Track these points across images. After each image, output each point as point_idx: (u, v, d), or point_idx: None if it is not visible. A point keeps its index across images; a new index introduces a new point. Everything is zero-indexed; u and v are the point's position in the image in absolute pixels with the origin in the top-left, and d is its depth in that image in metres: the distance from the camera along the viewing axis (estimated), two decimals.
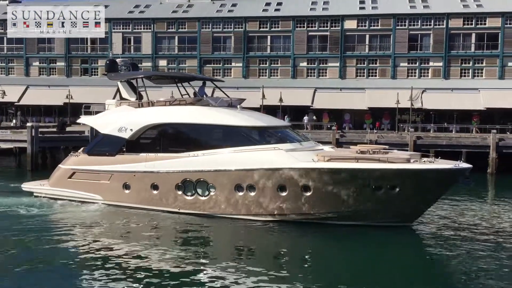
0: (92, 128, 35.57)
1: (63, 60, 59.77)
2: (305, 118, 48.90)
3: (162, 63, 57.97)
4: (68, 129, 39.95)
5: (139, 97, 22.55)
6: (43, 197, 22.04)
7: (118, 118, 21.23)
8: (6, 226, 17.57)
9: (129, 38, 58.52)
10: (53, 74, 60.35)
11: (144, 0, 62.08)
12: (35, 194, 22.61)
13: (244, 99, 23.24)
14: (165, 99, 21.86)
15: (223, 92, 23.32)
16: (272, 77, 55.67)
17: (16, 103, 56.47)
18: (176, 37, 57.81)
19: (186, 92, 23.63)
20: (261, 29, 56.08)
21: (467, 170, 17.49)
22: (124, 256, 14.51)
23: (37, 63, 60.74)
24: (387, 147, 20.84)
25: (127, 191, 20.23)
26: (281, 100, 48.09)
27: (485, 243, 16.26)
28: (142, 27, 58.30)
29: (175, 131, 20.47)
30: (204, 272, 13.32)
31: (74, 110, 55.12)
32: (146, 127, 20.49)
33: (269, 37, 56.07)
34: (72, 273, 13.30)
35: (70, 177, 21.60)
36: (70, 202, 21.22)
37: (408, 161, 17.36)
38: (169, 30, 57.83)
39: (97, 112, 23.67)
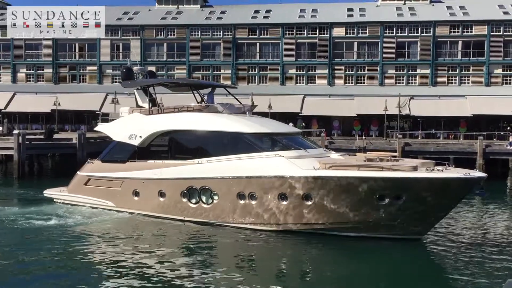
0: (79, 136, 35.48)
1: (51, 67, 59.39)
2: (290, 124, 48.91)
3: (151, 70, 57.75)
4: (55, 136, 39.58)
5: (154, 104, 22.62)
6: (62, 203, 22.65)
7: (128, 125, 21.55)
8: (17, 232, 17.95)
9: (118, 45, 58.35)
10: (40, 81, 59.92)
11: (133, 7, 62.06)
12: (55, 200, 23.20)
13: (256, 105, 23.19)
14: (174, 106, 21.85)
15: (235, 98, 23.26)
16: (261, 84, 55.83)
17: (2, 110, 55.90)
18: (165, 44, 57.79)
19: (202, 99, 23.52)
20: (250, 36, 56.26)
21: (481, 179, 16.07)
22: (124, 265, 14.41)
23: (24, 70, 60.28)
24: (397, 154, 20.01)
25: (136, 198, 20.39)
26: (270, 107, 48.19)
27: (490, 252, 15.81)
28: (131, 33, 58.19)
29: (182, 138, 20.46)
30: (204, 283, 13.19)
31: (62, 117, 54.98)
32: (154, 134, 20.68)
33: (258, 44, 56.27)
34: (72, 279, 13.33)
35: (85, 184, 22.07)
36: (85, 208, 21.63)
37: (414, 169, 16.17)
38: (158, 37, 57.80)
39: (111, 120, 23.98)
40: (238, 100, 22.89)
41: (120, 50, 58.39)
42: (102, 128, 23.48)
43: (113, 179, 20.97)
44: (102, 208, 21.21)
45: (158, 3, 61.89)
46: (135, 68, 23.97)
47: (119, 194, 20.78)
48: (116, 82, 58.20)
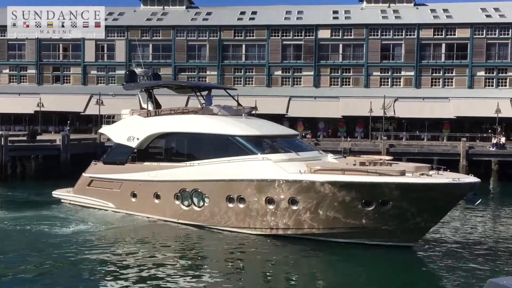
0: (63, 137, 35.13)
1: (34, 68, 58.70)
2: None
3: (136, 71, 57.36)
4: (39, 137, 39.12)
5: (156, 106, 22.72)
6: (68, 203, 23.11)
7: (127, 127, 21.81)
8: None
9: (102, 45, 57.89)
10: (23, 82, 59.17)
11: (118, 8, 61.62)
12: (62, 200, 23.63)
13: (254, 107, 23.21)
14: (170, 108, 21.98)
15: (235, 100, 23.29)
16: (247, 86, 55.80)
17: None
18: (151, 45, 57.49)
19: (204, 99, 23.39)
20: (236, 37, 56.25)
21: (474, 185, 15.29)
22: (115, 268, 14.35)
23: (7, 71, 59.46)
24: (391, 158, 19.55)
25: (134, 200, 20.63)
26: (256, 108, 48.11)
27: (479, 255, 15.81)
28: (116, 34, 57.77)
29: (176, 140, 20.61)
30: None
31: (46, 118, 54.35)
32: (151, 137, 20.84)
33: (244, 46, 56.27)
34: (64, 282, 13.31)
35: (89, 185, 22.47)
36: (88, 209, 22.01)
37: (402, 174, 15.52)
38: (143, 38, 57.46)
39: (113, 122, 24.24)
40: (238, 102, 22.99)
41: (105, 51, 57.92)
42: (104, 130, 23.94)
43: (113, 180, 21.32)
44: (103, 209, 21.49)
45: (144, 4, 61.56)
46: (139, 70, 24.14)
47: (118, 196, 21.05)
48: (100, 83, 57.87)
